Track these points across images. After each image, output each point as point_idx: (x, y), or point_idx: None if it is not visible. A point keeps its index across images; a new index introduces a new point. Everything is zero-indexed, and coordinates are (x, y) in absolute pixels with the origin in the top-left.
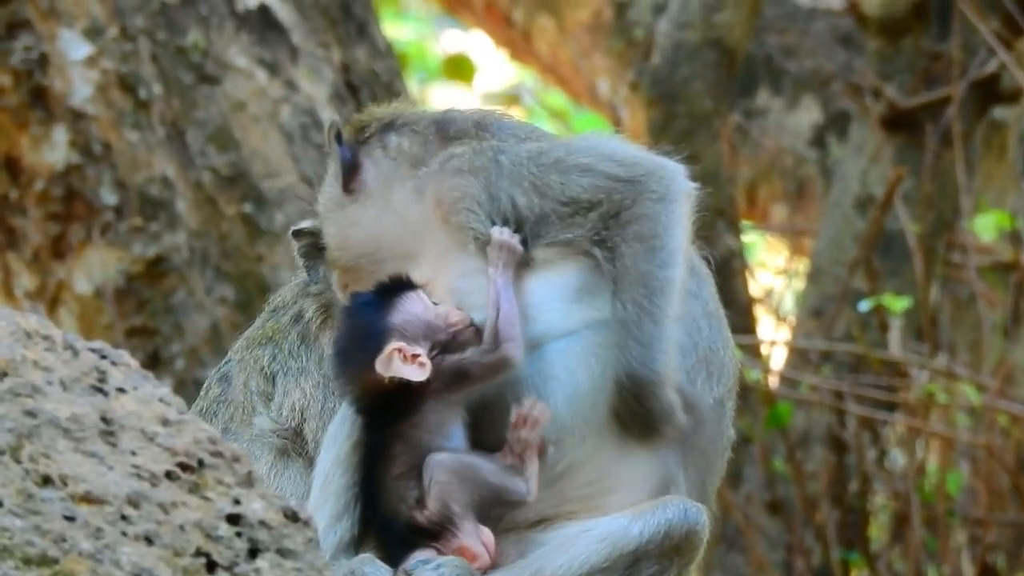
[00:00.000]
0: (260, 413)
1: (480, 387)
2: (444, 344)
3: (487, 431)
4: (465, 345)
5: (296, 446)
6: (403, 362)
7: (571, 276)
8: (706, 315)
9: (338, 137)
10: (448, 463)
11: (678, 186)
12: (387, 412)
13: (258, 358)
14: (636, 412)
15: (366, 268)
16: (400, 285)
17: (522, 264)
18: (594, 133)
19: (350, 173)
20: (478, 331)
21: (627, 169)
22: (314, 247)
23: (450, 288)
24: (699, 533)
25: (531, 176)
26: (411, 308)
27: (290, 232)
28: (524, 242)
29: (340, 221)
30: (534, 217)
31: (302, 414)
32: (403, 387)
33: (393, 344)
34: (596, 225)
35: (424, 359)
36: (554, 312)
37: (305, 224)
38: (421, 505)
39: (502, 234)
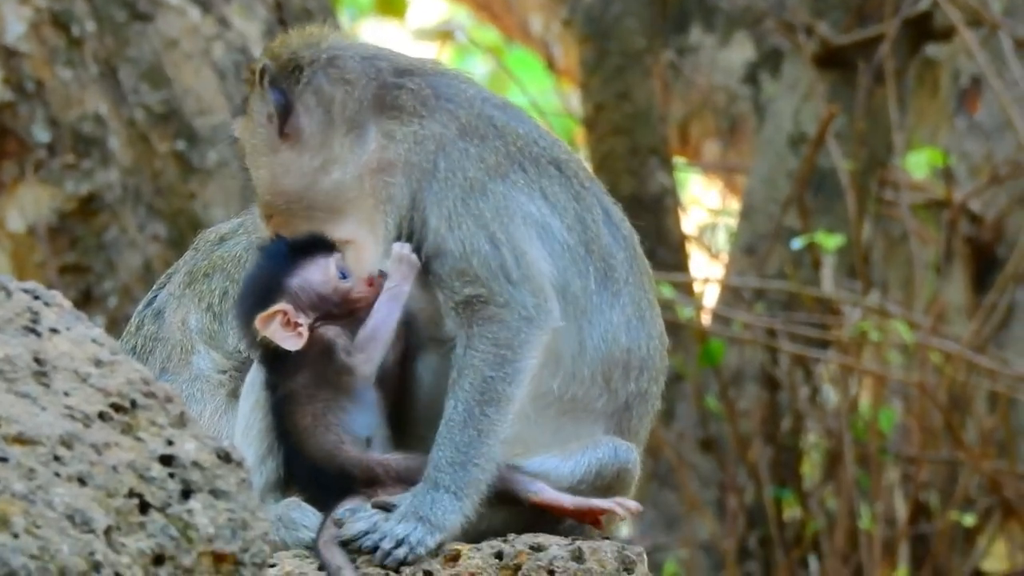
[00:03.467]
0: (199, 352)
1: (338, 379)
2: (334, 315)
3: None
4: (356, 319)
5: None
6: (283, 327)
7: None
8: (625, 322)
9: (271, 80)
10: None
11: (548, 317)
12: (275, 365)
13: (203, 294)
14: None
15: (296, 212)
16: (316, 245)
17: (420, 278)
18: (528, 205)
19: (285, 117)
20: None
21: (519, 275)
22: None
23: (369, 260)
24: (630, 471)
25: (453, 206)
26: (312, 275)
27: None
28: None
29: (272, 165)
30: (433, 246)
31: None
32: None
33: (280, 306)
34: (463, 297)
35: (304, 330)
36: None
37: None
38: (368, 446)
39: (403, 249)
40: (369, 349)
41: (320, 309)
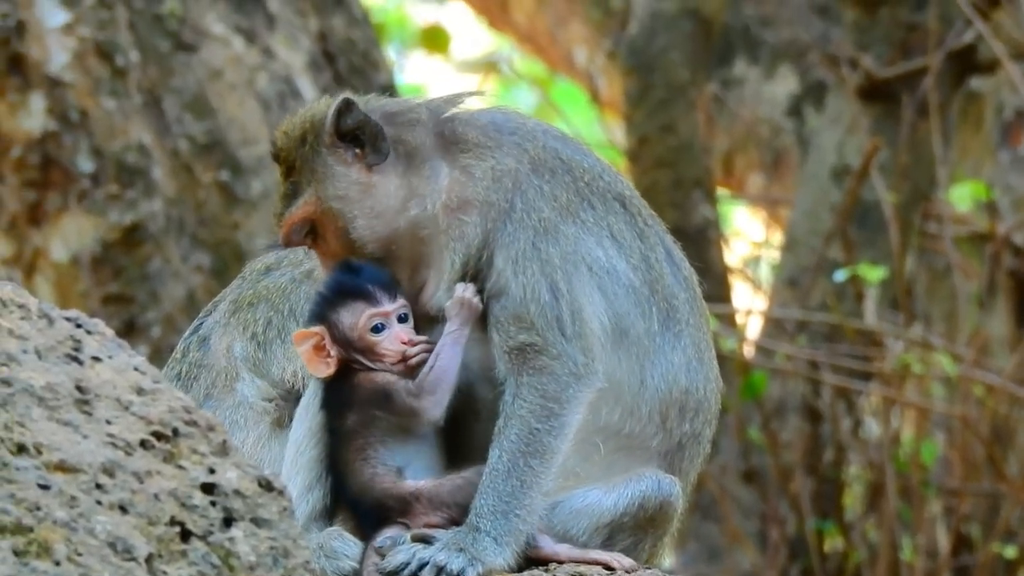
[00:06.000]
0: (244, 379)
1: (397, 420)
2: (361, 361)
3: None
4: (409, 373)
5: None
6: (315, 350)
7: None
8: (686, 363)
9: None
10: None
11: (594, 378)
12: (331, 401)
13: (248, 323)
14: None
15: (389, 254)
16: (367, 286)
17: (479, 320)
18: (596, 250)
19: (368, 147)
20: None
21: (573, 330)
22: None
23: (430, 297)
24: (673, 504)
25: (523, 248)
26: (343, 318)
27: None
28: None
29: (366, 199)
30: (496, 287)
31: (304, 381)
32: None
33: (317, 329)
34: (517, 343)
35: (332, 361)
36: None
37: None
38: (400, 476)
39: (466, 291)
40: (438, 393)
41: (348, 351)
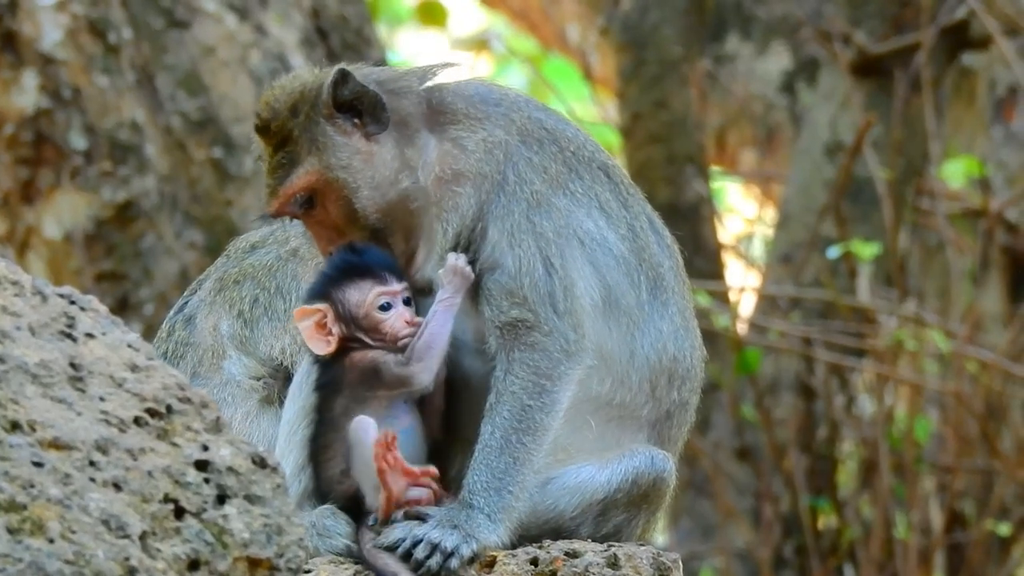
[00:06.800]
0: (231, 358)
1: (390, 394)
2: (364, 341)
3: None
4: (399, 350)
5: (283, 391)
6: (317, 327)
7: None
8: (673, 332)
9: (348, 83)
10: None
11: (584, 355)
12: (320, 377)
13: (234, 301)
14: None
15: (385, 224)
16: (372, 267)
17: (472, 289)
18: (586, 222)
19: (367, 116)
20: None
21: (565, 306)
22: None
23: (420, 268)
24: (666, 480)
25: (517, 221)
26: (350, 295)
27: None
28: (474, 267)
29: (367, 168)
30: (490, 259)
31: (292, 358)
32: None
33: (320, 306)
34: (509, 318)
35: (333, 339)
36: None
37: None
38: (346, 476)
39: (458, 260)
40: (427, 359)
41: (351, 328)
